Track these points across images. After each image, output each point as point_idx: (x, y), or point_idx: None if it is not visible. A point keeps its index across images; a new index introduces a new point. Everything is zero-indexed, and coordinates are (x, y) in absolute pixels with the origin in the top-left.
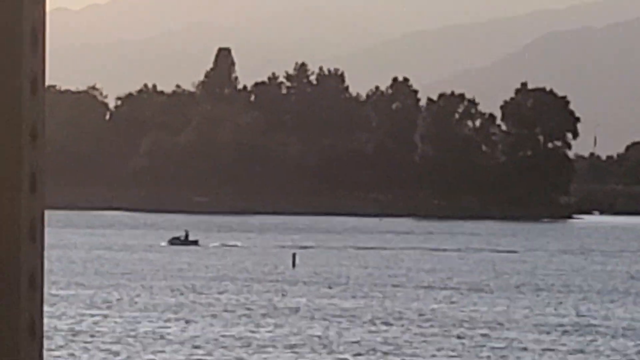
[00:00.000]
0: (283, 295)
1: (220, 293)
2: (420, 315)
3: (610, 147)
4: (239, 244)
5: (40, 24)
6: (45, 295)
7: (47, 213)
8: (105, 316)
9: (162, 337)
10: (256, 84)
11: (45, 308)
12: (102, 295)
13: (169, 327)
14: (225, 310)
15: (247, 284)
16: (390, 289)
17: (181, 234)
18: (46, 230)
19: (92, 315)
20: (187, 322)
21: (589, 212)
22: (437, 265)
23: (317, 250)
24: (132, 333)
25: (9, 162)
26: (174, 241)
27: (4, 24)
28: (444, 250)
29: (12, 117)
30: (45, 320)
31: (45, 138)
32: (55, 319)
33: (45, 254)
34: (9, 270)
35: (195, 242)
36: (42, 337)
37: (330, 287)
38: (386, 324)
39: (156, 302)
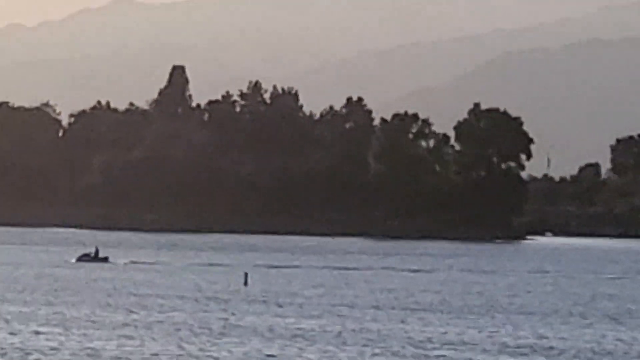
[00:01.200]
0: (233, 314)
1: (172, 311)
2: (372, 334)
3: (564, 168)
4: (148, 260)
5: None
6: None
7: None
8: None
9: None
10: (210, 102)
11: None
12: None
13: (109, 344)
14: (176, 329)
15: (199, 302)
16: (342, 308)
17: (91, 250)
18: None
19: None
20: (138, 340)
21: (542, 233)
22: (389, 285)
23: (269, 269)
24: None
25: None
26: (83, 258)
27: None
28: (397, 270)
29: None
30: None
31: None
32: None
33: None
34: None
35: (105, 259)
36: None
37: (281, 306)
38: (338, 344)
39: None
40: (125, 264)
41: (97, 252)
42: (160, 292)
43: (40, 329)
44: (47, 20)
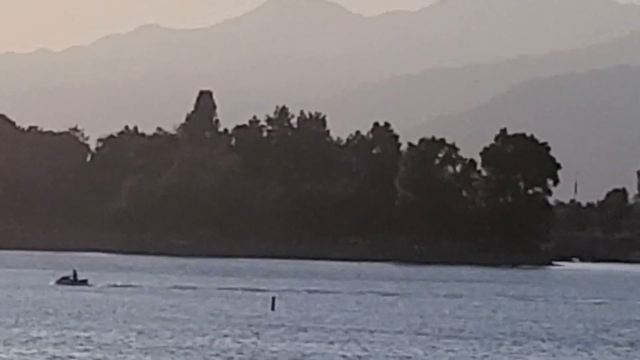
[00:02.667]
0: (260, 338)
1: (199, 335)
2: (395, 359)
3: (591, 194)
4: (126, 283)
5: None
6: None
7: (25, 254)
8: None
9: None
10: (237, 127)
11: None
12: None
13: None
14: (202, 354)
15: (226, 327)
16: (368, 334)
17: (69, 273)
18: (15, 270)
19: None
20: None
21: (568, 259)
22: (414, 311)
23: (296, 294)
24: None
25: None
26: (63, 281)
27: None
28: (423, 295)
29: None
30: None
31: None
32: None
33: None
34: None
35: (84, 282)
36: None
37: (307, 331)
38: None
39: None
40: (104, 286)
41: (75, 274)
42: (186, 316)
43: (62, 354)
44: (74, 45)
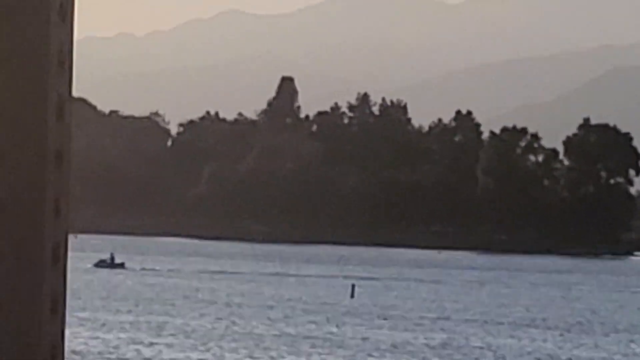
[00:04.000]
0: (339, 326)
1: (279, 322)
2: (476, 348)
3: None
4: (157, 267)
5: (68, 47)
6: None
7: (105, 238)
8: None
9: None
10: (318, 114)
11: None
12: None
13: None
14: (282, 340)
15: (305, 314)
16: (447, 322)
17: (107, 256)
18: (95, 254)
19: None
20: (226, 350)
21: None
22: (495, 300)
23: (375, 282)
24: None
25: (33, 186)
26: (101, 264)
27: (30, 48)
28: (503, 285)
29: (38, 142)
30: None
31: (71, 163)
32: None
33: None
34: (32, 294)
35: (121, 265)
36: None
37: (386, 319)
38: (443, 356)
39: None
40: (141, 269)
41: (112, 257)
42: (266, 303)
43: (158, 340)
44: (156, 30)
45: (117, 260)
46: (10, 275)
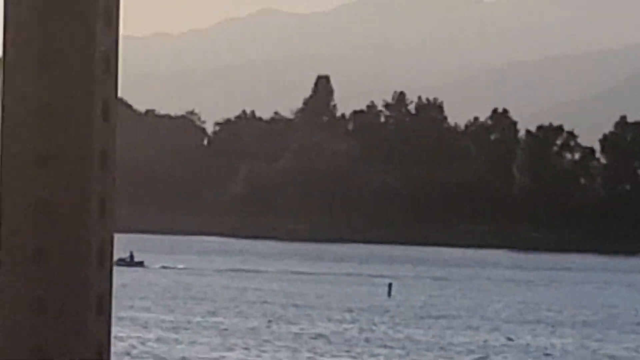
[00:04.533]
0: (376, 325)
1: (317, 321)
2: (516, 347)
3: None
4: (180, 265)
5: (113, 50)
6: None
7: (142, 237)
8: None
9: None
10: (354, 113)
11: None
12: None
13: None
14: (319, 340)
15: (342, 313)
16: (485, 321)
17: (126, 255)
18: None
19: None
20: (274, 350)
21: None
22: (533, 298)
23: (412, 280)
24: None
25: (79, 187)
26: (120, 262)
27: (77, 52)
28: (539, 283)
29: (84, 143)
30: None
31: (116, 164)
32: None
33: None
34: (78, 295)
35: (141, 263)
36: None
37: (424, 318)
38: (484, 356)
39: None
40: (160, 267)
41: (132, 256)
42: (303, 302)
43: (199, 339)
44: (192, 29)
45: (137, 259)
46: (56, 275)
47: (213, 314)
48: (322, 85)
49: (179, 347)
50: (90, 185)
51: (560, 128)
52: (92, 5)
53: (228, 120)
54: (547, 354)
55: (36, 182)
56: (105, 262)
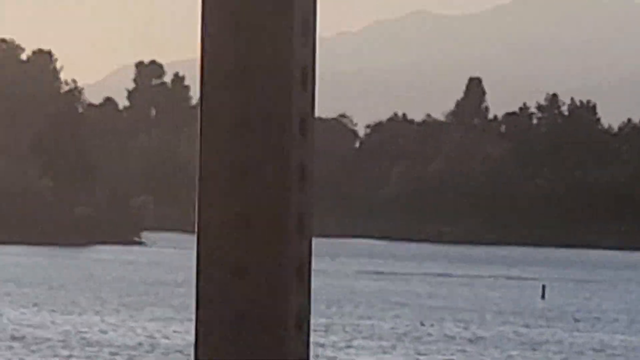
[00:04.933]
0: (529, 327)
1: (470, 324)
2: None
3: None
4: (331, 269)
5: (310, 64)
6: None
7: None
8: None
9: None
10: (506, 115)
11: None
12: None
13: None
14: (471, 342)
15: (495, 315)
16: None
17: None
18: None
19: None
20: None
21: None
22: None
23: (566, 283)
24: None
25: (278, 202)
26: None
27: (274, 65)
28: None
29: (282, 156)
30: None
31: (314, 179)
32: None
33: None
34: (278, 309)
35: None
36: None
37: (579, 321)
38: None
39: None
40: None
41: None
42: (456, 305)
43: (352, 342)
44: (342, 31)
45: None
46: (256, 291)
47: (366, 317)
48: (474, 87)
49: (330, 349)
50: (289, 200)
51: None
52: (289, 17)
53: (380, 123)
54: None
55: (234, 196)
56: (303, 279)
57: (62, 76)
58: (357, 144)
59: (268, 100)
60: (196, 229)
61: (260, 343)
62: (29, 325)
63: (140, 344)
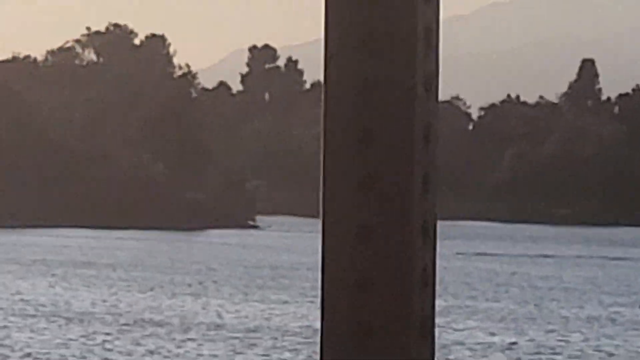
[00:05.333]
0: None
1: (581, 303)
2: None
3: None
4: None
5: (434, 25)
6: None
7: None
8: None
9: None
10: (620, 96)
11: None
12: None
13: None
14: (589, 321)
15: (610, 296)
16: None
17: None
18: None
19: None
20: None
21: None
22: None
23: None
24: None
25: (403, 162)
26: None
27: (398, 28)
28: None
29: (407, 118)
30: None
31: (438, 138)
32: None
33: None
34: (403, 270)
35: None
36: (433, 337)
37: None
38: None
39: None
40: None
41: None
42: (572, 285)
43: (468, 324)
44: (456, 14)
45: None
46: (381, 252)
47: (475, 298)
48: (587, 68)
49: (444, 330)
50: (414, 161)
51: None
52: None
53: (493, 105)
54: None
55: (360, 159)
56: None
57: (176, 61)
58: (471, 127)
59: (392, 62)
60: (321, 193)
61: (385, 304)
62: (144, 310)
63: (257, 327)
